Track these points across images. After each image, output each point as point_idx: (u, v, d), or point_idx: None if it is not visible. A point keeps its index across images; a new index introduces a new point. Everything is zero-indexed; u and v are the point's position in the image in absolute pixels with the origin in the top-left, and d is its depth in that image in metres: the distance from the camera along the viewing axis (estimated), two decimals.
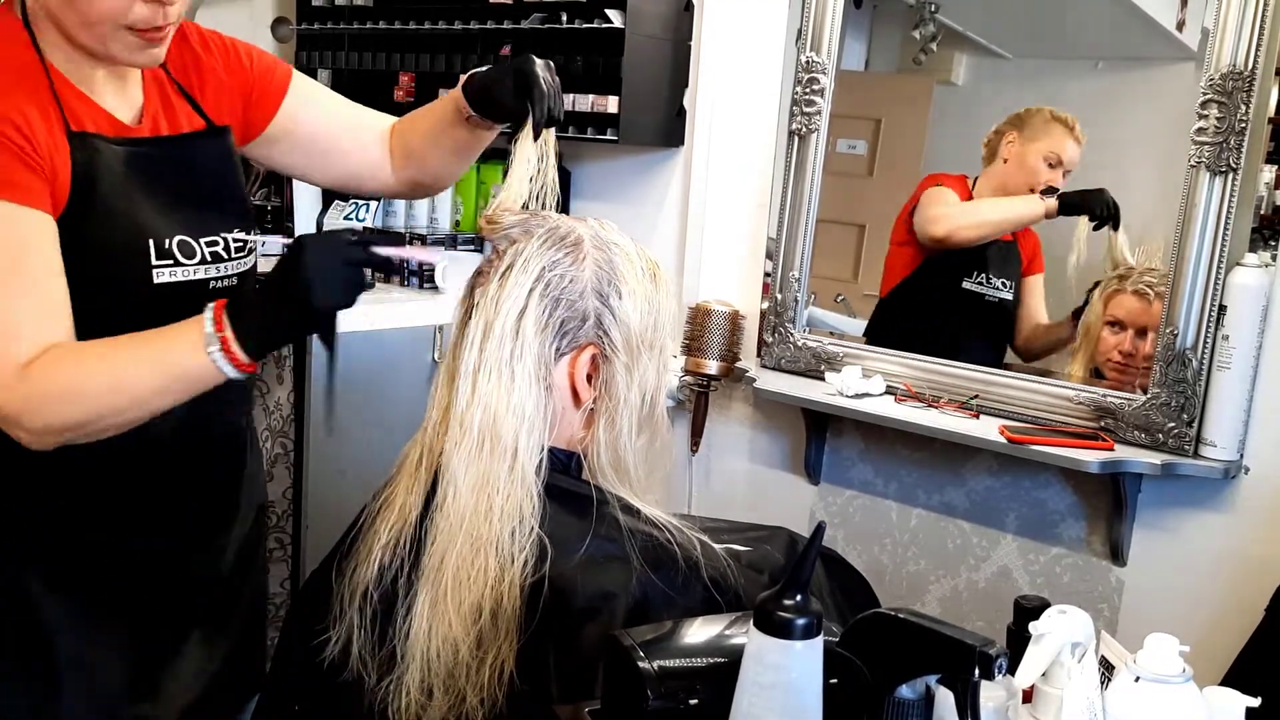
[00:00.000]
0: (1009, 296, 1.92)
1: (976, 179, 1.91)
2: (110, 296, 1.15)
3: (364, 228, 2.44)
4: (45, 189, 1.09)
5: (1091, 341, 1.77)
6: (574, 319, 1.10)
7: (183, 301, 1.18)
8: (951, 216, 1.91)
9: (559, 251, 1.10)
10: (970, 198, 1.91)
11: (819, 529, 0.85)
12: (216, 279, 1.25)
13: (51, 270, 1.09)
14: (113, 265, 1.16)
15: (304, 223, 2.61)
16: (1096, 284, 1.79)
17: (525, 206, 1.18)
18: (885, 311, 1.99)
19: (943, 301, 1.94)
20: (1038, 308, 1.92)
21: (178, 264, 1.20)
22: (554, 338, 1.09)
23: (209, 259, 1.24)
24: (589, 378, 1.12)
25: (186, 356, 1.07)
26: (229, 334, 1.06)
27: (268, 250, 2.62)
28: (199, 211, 1.23)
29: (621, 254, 1.13)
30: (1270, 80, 1.52)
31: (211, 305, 1.08)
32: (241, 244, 1.28)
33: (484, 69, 1.33)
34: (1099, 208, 1.79)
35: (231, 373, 1.07)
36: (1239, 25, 1.51)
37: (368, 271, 1.10)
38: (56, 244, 1.10)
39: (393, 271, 1.07)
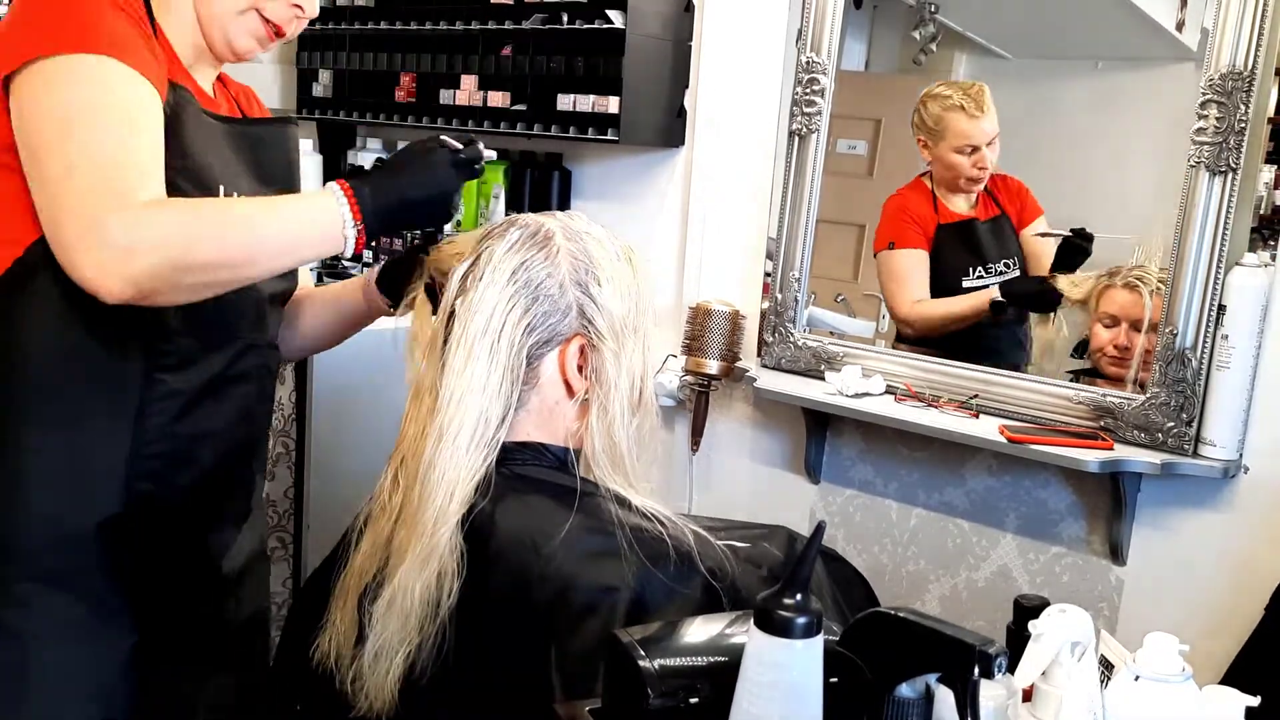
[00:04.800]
0: (1018, 270, 1.88)
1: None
2: None
3: None
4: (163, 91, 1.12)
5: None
6: (555, 312, 1.11)
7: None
8: (907, 309, 1.94)
9: (531, 250, 1.11)
10: (932, 199, 1.89)
11: (819, 528, 0.85)
12: None
13: (161, 145, 1.10)
14: None
15: None
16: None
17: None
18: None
19: None
20: (1048, 247, 1.84)
21: None
22: (539, 332, 1.11)
23: None
24: (579, 368, 1.13)
25: (315, 210, 1.12)
26: (353, 200, 1.13)
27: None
28: (265, 192, 1.26)
29: (595, 242, 1.15)
30: (1270, 80, 1.52)
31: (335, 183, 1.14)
32: None
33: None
34: (1036, 303, 1.79)
35: (351, 233, 1.13)
36: (1238, 25, 1.51)
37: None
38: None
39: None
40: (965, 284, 1.90)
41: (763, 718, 0.82)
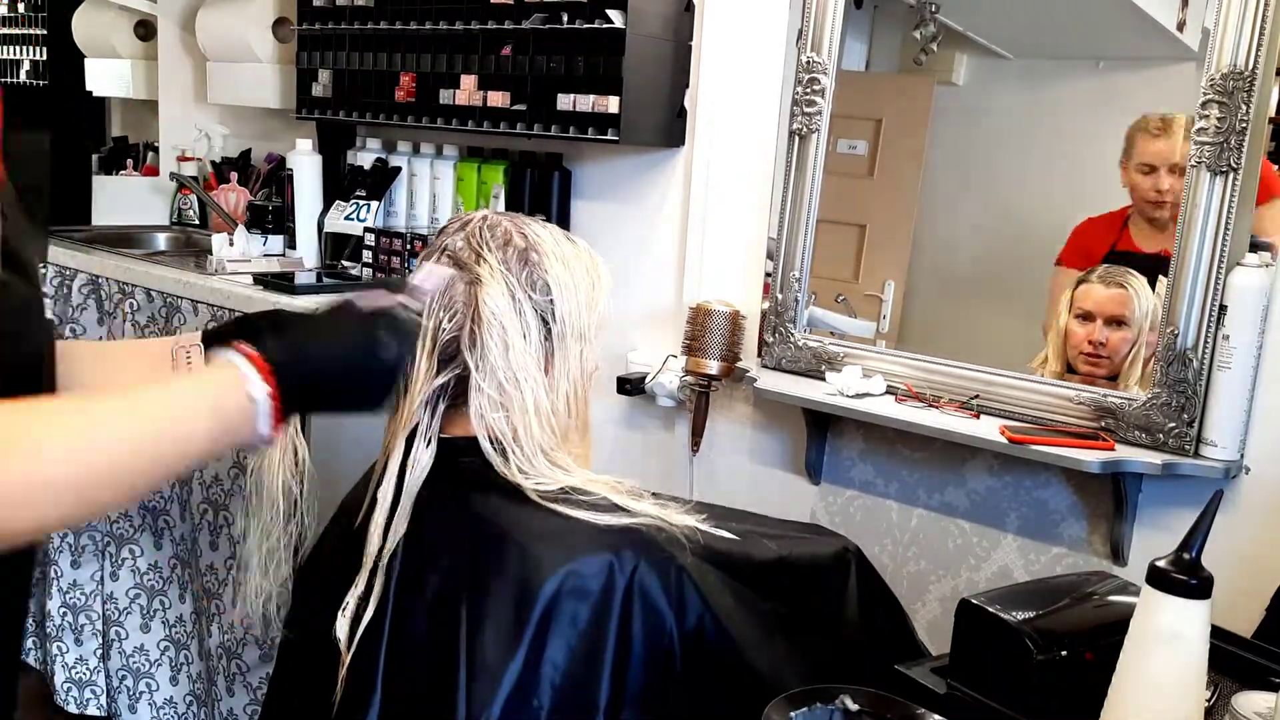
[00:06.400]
0: None
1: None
2: None
3: (364, 227, 2.44)
4: None
5: (1060, 337, 1.78)
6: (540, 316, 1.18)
7: None
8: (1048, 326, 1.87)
9: (519, 268, 1.17)
10: (1121, 227, 1.81)
11: (1217, 496, 1.01)
12: None
13: None
14: None
15: (305, 223, 2.62)
16: None
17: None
18: None
19: None
20: None
21: None
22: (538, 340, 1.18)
23: None
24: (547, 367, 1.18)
25: (217, 398, 0.81)
26: (271, 385, 0.82)
27: (269, 250, 2.63)
28: None
29: (550, 248, 1.20)
30: (1271, 80, 1.52)
31: (236, 345, 0.84)
32: None
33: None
34: None
35: (266, 429, 0.83)
36: (1239, 25, 1.50)
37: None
38: None
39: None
40: None
41: (1156, 672, 0.91)
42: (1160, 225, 1.79)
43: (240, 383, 0.82)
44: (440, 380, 1.15)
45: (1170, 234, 1.71)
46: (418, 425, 1.15)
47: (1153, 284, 1.75)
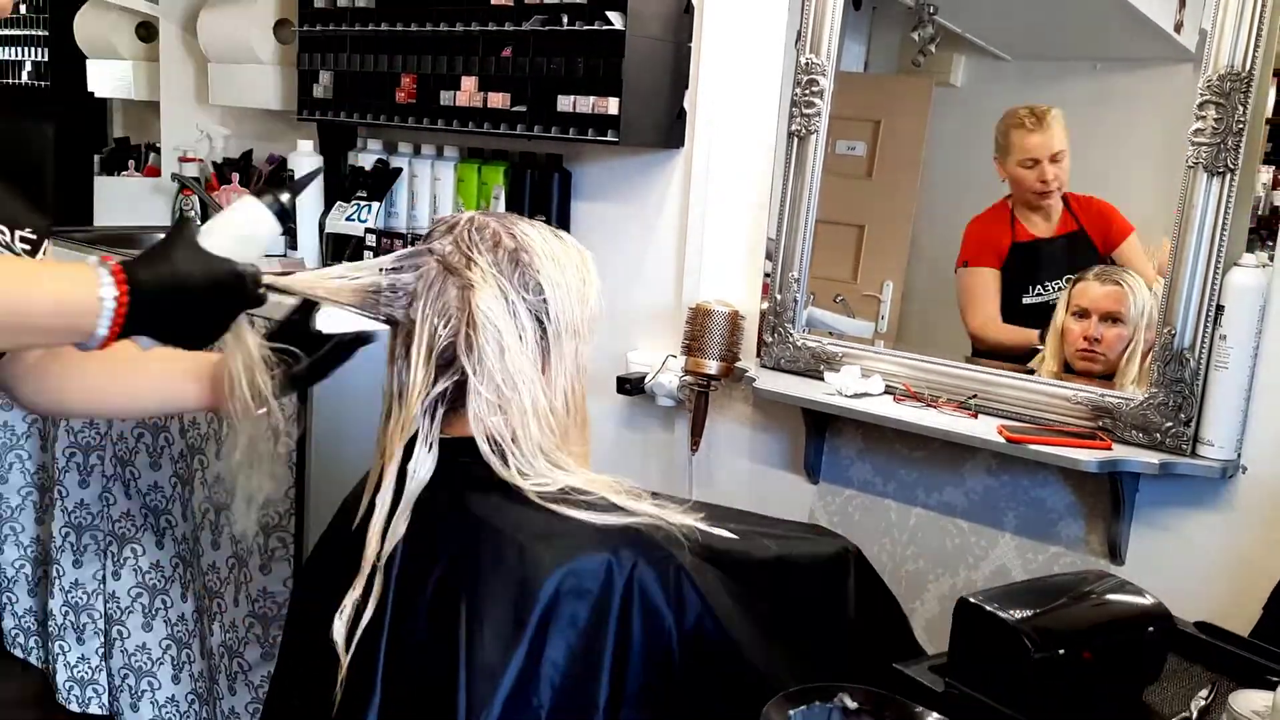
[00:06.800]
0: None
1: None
2: None
3: (365, 228, 2.45)
4: None
5: (1057, 336, 1.79)
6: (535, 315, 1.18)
7: None
8: (973, 327, 1.93)
9: (511, 269, 1.16)
10: (1010, 219, 1.89)
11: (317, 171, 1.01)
12: None
13: None
14: None
15: (306, 224, 2.63)
16: None
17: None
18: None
19: (1016, 324, 1.91)
20: (1141, 270, 1.76)
21: None
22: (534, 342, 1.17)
23: None
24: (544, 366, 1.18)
25: (71, 285, 0.92)
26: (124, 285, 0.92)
27: (270, 251, 2.64)
28: None
29: (539, 247, 1.19)
30: (1268, 81, 1.53)
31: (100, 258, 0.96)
32: (31, 246, 1.15)
33: None
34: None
35: (104, 328, 0.93)
36: (1237, 27, 1.51)
37: None
38: None
39: None
40: (1025, 300, 1.88)
41: None
42: (1046, 213, 1.86)
43: (96, 285, 0.92)
44: (439, 388, 1.14)
45: (1062, 216, 1.85)
46: (417, 431, 1.16)
47: (1071, 264, 1.82)
